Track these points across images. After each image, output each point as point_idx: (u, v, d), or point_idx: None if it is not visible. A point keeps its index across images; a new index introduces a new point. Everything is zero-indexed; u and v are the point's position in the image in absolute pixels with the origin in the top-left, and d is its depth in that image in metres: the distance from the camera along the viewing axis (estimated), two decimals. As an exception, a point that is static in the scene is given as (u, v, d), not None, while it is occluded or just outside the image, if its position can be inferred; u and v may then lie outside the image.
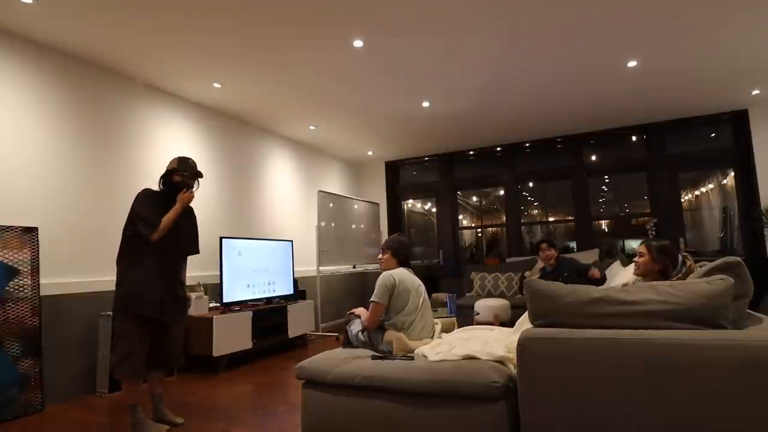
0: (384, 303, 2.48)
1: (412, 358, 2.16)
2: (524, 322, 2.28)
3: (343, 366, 2.14)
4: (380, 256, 2.78)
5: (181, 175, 2.77)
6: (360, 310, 2.70)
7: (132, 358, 2.55)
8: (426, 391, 1.90)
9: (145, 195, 2.71)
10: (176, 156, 2.93)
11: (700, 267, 2.27)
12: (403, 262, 2.71)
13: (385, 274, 2.56)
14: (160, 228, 2.62)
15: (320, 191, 5.98)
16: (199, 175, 2.84)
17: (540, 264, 4.56)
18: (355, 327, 2.61)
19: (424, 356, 2.13)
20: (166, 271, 2.69)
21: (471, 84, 4.63)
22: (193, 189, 2.82)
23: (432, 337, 2.52)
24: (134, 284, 2.58)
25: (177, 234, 2.74)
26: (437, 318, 3.10)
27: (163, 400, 2.85)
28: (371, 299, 2.52)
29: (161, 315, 2.63)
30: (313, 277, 6.17)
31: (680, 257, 2.41)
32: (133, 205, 2.67)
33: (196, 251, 2.90)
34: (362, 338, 2.53)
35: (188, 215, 2.86)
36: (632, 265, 2.62)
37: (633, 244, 6.65)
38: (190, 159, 2.83)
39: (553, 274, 4.16)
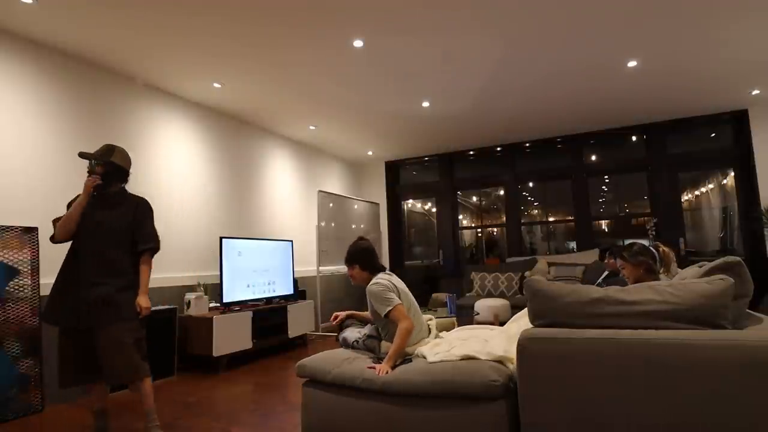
0: (400, 301, 2.28)
1: (410, 361, 2.15)
2: (519, 319, 2.28)
3: (344, 366, 2.14)
4: (348, 271, 2.48)
5: (89, 166, 2.51)
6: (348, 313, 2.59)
7: (61, 368, 2.40)
8: (426, 392, 1.90)
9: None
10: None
11: (699, 267, 2.28)
12: (372, 271, 2.43)
13: (371, 286, 2.33)
14: (59, 224, 2.42)
15: (320, 191, 5.98)
16: (94, 156, 2.51)
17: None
18: (350, 334, 2.53)
19: (423, 357, 2.13)
20: (84, 274, 2.39)
21: (471, 84, 4.63)
22: (98, 173, 2.49)
23: (429, 335, 2.45)
24: (51, 291, 2.42)
25: (94, 229, 2.44)
26: (437, 317, 3.07)
27: (106, 419, 2.54)
28: (386, 311, 2.23)
29: (77, 323, 2.36)
30: (313, 277, 6.17)
31: (652, 249, 2.45)
32: None
33: (145, 246, 2.52)
34: (360, 347, 2.48)
35: (113, 205, 2.52)
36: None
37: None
38: (105, 146, 2.56)
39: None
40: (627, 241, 6.59)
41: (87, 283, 2.38)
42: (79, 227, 2.45)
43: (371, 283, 2.36)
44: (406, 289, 2.43)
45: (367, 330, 2.49)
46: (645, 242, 2.57)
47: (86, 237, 2.44)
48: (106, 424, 2.55)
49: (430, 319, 2.57)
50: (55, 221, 2.51)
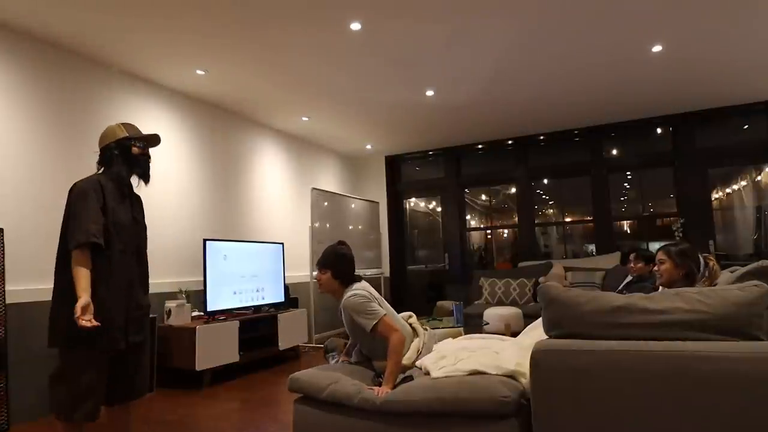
0: (385, 311, 2.29)
1: (412, 378, 2.15)
2: (533, 330, 2.28)
3: (341, 382, 2.13)
4: (317, 275, 2.44)
5: (138, 145, 2.35)
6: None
7: (91, 397, 2.12)
8: (430, 410, 1.89)
9: (85, 192, 2.18)
10: (111, 126, 2.38)
11: (731, 272, 2.28)
12: (346, 282, 2.39)
13: (351, 299, 2.28)
14: (80, 268, 2.09)
15: (314, 189, 5.98)
16: (157, 140, 2.44)
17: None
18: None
19: (426, 372, 2.13)
20: (135, 280, 2.31)
21: (480, 71, 4.63)
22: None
23: (417, 337, 2.42)
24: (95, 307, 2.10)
25: (134, 226, 2.35)
26: (443, 328, 3.07)
27: None
28: (373, 324, 2.20)
29: (131, 338, 2.25)
30: (306, 283, 6.17)
31: (702, 259, 2.44)
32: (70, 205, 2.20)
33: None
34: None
35: (138, 202, 2.46)
36: None
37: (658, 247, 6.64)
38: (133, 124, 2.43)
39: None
40: (651, 244, 6.62)
41: (138, 291, 2.31)
42: (116, 225, 2.24)
43: (349, 295, 2.30)
44: (381, 296, 2.42)
45: (355, 358, 2.48)
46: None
47: (129, 236, 2.30)
48: None
49: (410, 316, 2.53)
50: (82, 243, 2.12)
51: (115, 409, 2.34)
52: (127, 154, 2.33)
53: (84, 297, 2.06)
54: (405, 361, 2.26)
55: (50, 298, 2.24)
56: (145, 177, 2.41)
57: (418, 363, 2.26)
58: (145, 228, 2.49)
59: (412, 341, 2.38)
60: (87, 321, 2.02)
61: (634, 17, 3.72)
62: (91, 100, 4.08)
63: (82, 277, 2.09)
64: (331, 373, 2.22)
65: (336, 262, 2.39)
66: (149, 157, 2.42)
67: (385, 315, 2.24)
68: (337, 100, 5.33)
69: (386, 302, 2.43)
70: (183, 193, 4.86)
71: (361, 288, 2.33)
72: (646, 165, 6.59)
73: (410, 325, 2.46)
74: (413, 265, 8.01)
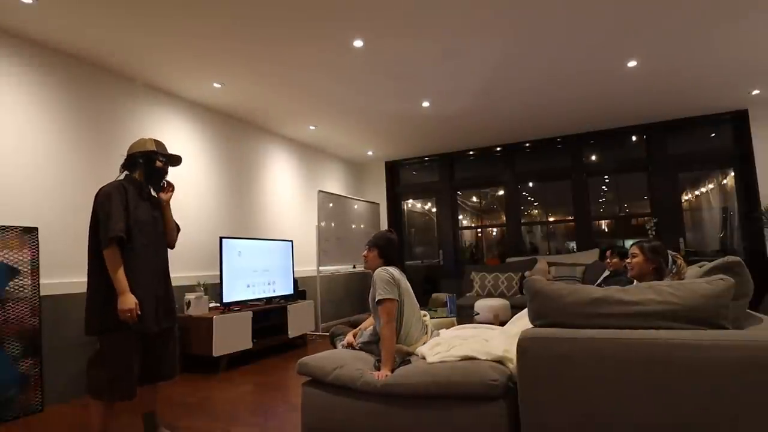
0: (397, 298, 2.27)
1: (410, 361, 2.16)
2: (519, 319, 2.29)
3: (346, 367, 2.14)
4: (365, 252, 2.53)
5: (161, 160, 2.46)
6: (363, 325, 2.60)
7: (129, 377, 2.20)
8: (426, 393, 1.90)
9: (110, 194, 2.25)
10: (144, 138, 2.51)
11: (699, 267, 2.29)
12: (388, 264, 2.46)
13: (380, 271, 2.34)
14: (113, 260, 2.19)
15: (320, 191, 5.98)
16: (178, 161, 2.56)
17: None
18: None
19: (423, 357, 2.13)
20: (159, 271, 2.41)
21: (471, 84, 4.63)
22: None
23: (427, 333, 2.46)
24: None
25: (154, 225, 2.43)
26: (437, 318, 3.07)
27: (158, 425, 2.47)
28: (379, 298, 2.23)
29: (161, 324, 2.35)
30: (313, 277, 6.17)
31: (670, 257, 2.45)
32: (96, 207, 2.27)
33: (173, 245, 2.61)
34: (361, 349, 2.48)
35: (156, 205, 2.51)
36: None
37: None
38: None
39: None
40: (627, 242, 6.62)
41: (163, 281, 2.42)
42: (138, 223, 2.32)
43: (382, 268, 2.39)
44: (410, 289, 2.46)
45: (364, 337, 2.49)
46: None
47: (150, 233, 2.38)
48: (157, 426, 2.46)
49: (424, 315, 2.58)
50: (112, 237, 2.20)
51: (144, 388, 2.38)
52: (150, 165, 2.45)
53: (128, 295, 2.16)
54: (411, 348, 2.30)
55: (80, 291, 2.26)
56: (156, 187, 2.52)
57: (416, 351, 2.28)
58: (163, 227, 2.53)
59: (425, 334, 2.44)
60: (131, 316, 2.16)
61: (610, 35, 3.73)
62: (117, 112, 4.07)
63: (122, 278, 2.19)
64: (336, 358, 2.23)
65: (384, 243, 2.50)
66: (167, 172, 2.53)
67: (394, 300, 2.26)
68: (341, 111, 5.32)
69: (413, 297, 2.45)
70: (202, 196, 4.86)
71: (395, 272, 2.39)
72: (622, 170, 6.58)
73: (423, 322, 2.51)
74: (410, 261, 8.00)
